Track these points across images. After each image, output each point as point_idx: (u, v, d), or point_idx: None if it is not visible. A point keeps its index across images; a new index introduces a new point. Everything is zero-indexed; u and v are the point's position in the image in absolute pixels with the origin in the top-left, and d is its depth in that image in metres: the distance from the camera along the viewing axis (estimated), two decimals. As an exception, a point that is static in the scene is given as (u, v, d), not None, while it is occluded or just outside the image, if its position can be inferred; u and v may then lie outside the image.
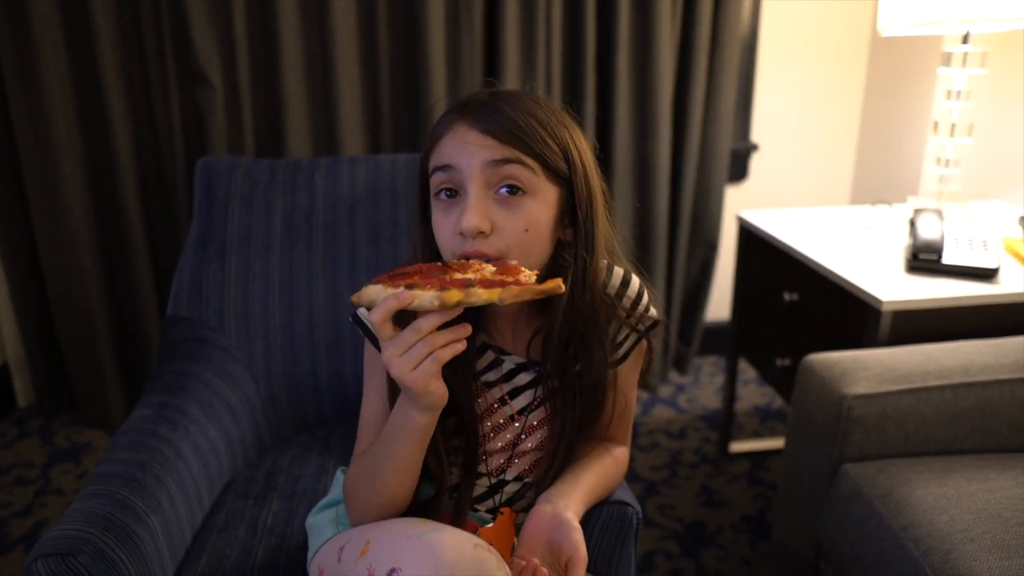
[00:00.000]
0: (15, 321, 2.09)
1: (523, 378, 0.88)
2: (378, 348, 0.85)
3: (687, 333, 2.39)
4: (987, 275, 1.34)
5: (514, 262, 0.74)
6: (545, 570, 0.76)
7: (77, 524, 0.84)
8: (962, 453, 1.11)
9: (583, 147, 0.82)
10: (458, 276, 0.72)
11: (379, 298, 0.69)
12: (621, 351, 0.90)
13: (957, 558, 0.90)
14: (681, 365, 2.40)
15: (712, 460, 1.95)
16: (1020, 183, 1.76)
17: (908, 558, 0.95)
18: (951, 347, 1.18)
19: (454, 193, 0.78)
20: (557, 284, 0.69)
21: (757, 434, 2.07)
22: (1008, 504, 0.98)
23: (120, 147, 1.89)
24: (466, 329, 0.71)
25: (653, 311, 0.90)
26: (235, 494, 1.14)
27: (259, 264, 1.31)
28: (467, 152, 0.76)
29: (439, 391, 0.73)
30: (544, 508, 0.83)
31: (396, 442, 0.78)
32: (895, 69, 2.17)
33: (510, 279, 0.70)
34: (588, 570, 0.91)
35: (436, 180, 0.79)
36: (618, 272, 0.89)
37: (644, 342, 0.91)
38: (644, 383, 2.29)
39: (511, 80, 1.96)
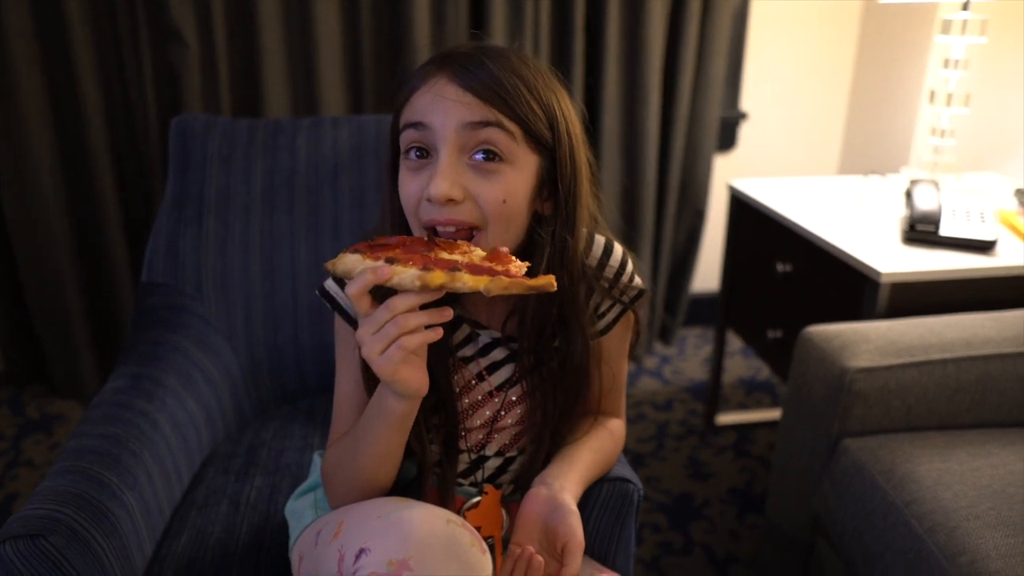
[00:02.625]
0: (-19, 288, 2.00)
1: (499, 353, 0.84)
2: (350, 323, 0.81)
3: (672, 304, 2.36)
4: (985, 247, 1.32)
5: (505, 249, 0.68)
6: (540, 558, 0.73)
7: (48, 503, 0.79)
8: (963, 428, 1.10)
9: (570, 115, 0.76)
10: (444, 256, 0.66)
11: (355, 269, 0.64)
12: (603, 322, 0.85)
13: (963, 535, 0.89)
14: (666, 336, 2.38)
15: (698, 432, 1.93)
16: (1015, 155, 1.74)
17: (912, 535, 0.93)
18: (952, 320, 1.16)
19: (424, 154, 0.71)
20: (549, 281, 0.64)
21: (743, 406, 2.06)
22: (1012, 480, 0.96)
23: (89, 106, 1.81)
24: (446, 313, 0.66)
25: (638, 280, 0.86)
26: (215, 469, 1.09)
27: (238, 228, 1.25)
28: (442, 109, 0.69)
29: (412, 380, 0.68)
30: (540, 491, 0.79)
31: (373, 428, 0.74)
32: (887, 38, 2.13)
33: (500, 268, 0.65)
34: (586, 550, 0.89)
35: (406, 137, 0.72)
36: (599, 240, 0.84)
37: (630, 313, 0.87)
38: (631, 354, 2.26)
39: (497, 39, 1.90)
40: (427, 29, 1.87)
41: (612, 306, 0.85)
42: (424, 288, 0.62)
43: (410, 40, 1.85)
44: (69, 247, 1.92)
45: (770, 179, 1.78)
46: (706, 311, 2.46)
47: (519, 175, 0.72)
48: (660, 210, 2.21)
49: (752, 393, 2.13)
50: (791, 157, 2.37)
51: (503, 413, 0.85)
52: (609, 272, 0.83)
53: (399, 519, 0.67)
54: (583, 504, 0.86)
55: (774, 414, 2.00)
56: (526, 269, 0.67)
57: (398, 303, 0.63)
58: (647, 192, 2.14)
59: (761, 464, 1.81)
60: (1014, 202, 1.52)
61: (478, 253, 0.68)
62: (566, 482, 0.80)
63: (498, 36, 1.89)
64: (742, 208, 1.74)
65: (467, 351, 0.84)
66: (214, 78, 1.85)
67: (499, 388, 0.85)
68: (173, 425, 1.04)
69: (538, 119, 0.71)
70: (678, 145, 2.13)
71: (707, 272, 2.41)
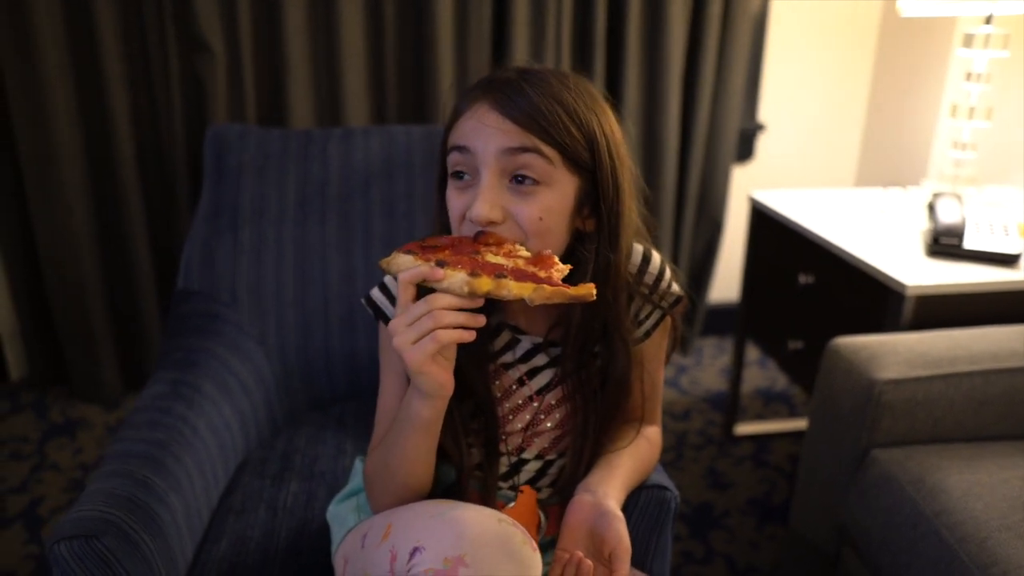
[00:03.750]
0: (8, 291, 2.03)
1: (540, 359, 0.86)
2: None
3: (690, 314, 2.37)
4: (1009, 260, 1.34)
5: (548, 251, 0.72)
6: (589, 562, 0.75)
7: (99, 505, 0.81)
8: (990, 440, 1.11)
9: (613, 135, 0.78)
10: (491, 259, 0.69)
11: (408, 268, 0.68)
12: (643, 328, 0.88)
13: (994, 546, 0.90)
14: (683, 346, 2.39)
15: (717, 442, 1.94)
16: (1035, 168, 1.76)
17: (942, 544, 0.94)
18: (978, 333, 1.17)
19: (469, 174, 0.75)
20: (589, 291, 0.67)
21: (761, 416, 2.07)
22: (1040, 491, 0.97)
23: (117, 114, 1.83)
24: (479, 320, 0.69)
25: (676, 287, 0.88)
26: (250, 474, 1.11)
27: (272, 237, 1.27)
28: (483, 136, 0.73)
29: (438, 377, 0.70)
30: (584, 498, 0.81)
31: (402, 433, 0.77)
32: (906, 51, 2.14)
33: (543, 274, 0.68)
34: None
35: (452, 160, 0.76)
36: (638, 249, 0.86)
37: (669, 319, 0.89)
38: (668, 360, 2.28)
39: (519, 52, 1.92)
40: (450, 42, 1.90)
41: (652, 312, 0.87)
42: (472, 294, 0.66)
43: (433, 53, 1.88)
44: (94, 253, 1.95)
45: (790, 190, 1.79)
46: (723, 321, 2.47)
47: (556, 195, 0.75)
48: (679, 220, 2.23)
49: (770, 404, 2.13)
50: (808, 168, 2.38)
51: (542, 417, 0.87)
52: (648, 279, 0.86)
53: (452, 518, 0.68)
54: (622, 510, 0.87)
55: (792, 424, 2.01)
56: (568, 272, 0.70)
57: (439, 299, 0.67)
58: (666, 201, 2.15)
59: (780, 474, 1.82)
60: (1035, 215, 1.53)
61: (524, 253, 0.71)
62: (609, 488, 0.82)
63: (520, 49, 1.92)
64: (762, 219, 1.75)
65: (507, 357, 0.86)
66: (240, 87, 1.88)
67: (539, 392, 0.86)
68: (211, 430, 1.06)
69: (576, 142, 0.74)
70: (697, 155, 2.15)
71: (724, 282, 2.42)
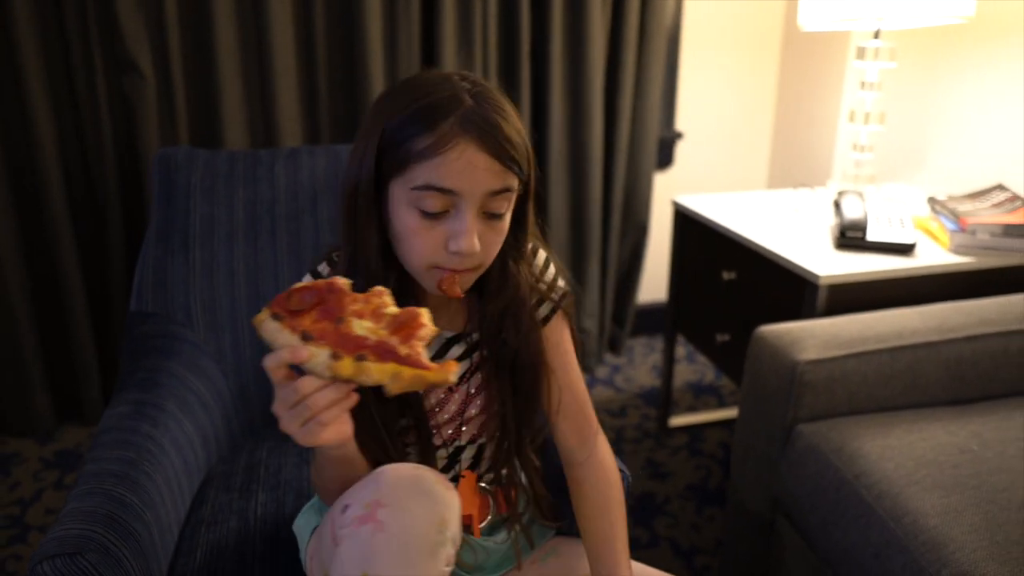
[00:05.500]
0: (-73, 326, 1.95)
1: (457, 350, 0.90)
2: None
3: (620, 315, 2.48)
4: (906, 250, 1.48)
5: (421, 310, 0.70)
6: None
7: (80, 523, 0.83)
8: (898, 409, 1.23)
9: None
10: (355, 326, 0.67)
11: (275, 339, 0.67)
12: (539, 314, 0.91)
13: (905, 499, 1.01)
14: (615, 346, 2.50)
15: (653, 435, 2.05)
16: (926, 167, 1.94)
17: (862, 503, 1.05)
18: (884, 315, 1.30)
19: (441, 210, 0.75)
20: (445, 378, 0.67)
21: (693, 408, 2.19)
22: (941, 450, 1.10)
23: (42, 137, 1.81)
24: (351, 399, 0.69)
25: (562, 281, 0.93)
26: (216, 488, 1.13)
27: (223, 256, 1.29)
28: (472, 179, 0.74)
29: (335, 437, 0.70)
30: None
31: (323, 466, 0.81)
32: (807, 62, 2.32)
33: (404, 350, 0.67)
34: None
35: (430, 199, 0.74)
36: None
37: (563, 315, 0.93)
38: (583, 365, 2.37)
39: (449, 68, 1.99)
40: (380, 59, 1.95)
41: (543, 303, 0.92)
42: (334, 378, 0.65)
43: (364, 70, 1.92)
44: (20, 281, 1.90)
45: (709, 194, 1.92)
46: (652, 321, 2.59)
47: (508, 215, 0.80)
48: (606, 226, 2.33)
49: (700, 396, 2.26)
50: (724, 173, 2.54)
51: (466, 406, 0.91)
52: (535, 270, 0.91)
53: (373, 474, 0.74)
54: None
55: (722, 414, 2.14)
56: (435, 332, 0.70)
57: (306, 386, 0.66)
58: (593, 210, 2.26)
59: (714, 461, 1.94)
60: (927, 209, 1.69)
61: (391, 310, 0.70)
62: (620, 558, 0.89)
63: (449, 66, 1.99)
64: (687, 222, 1.87)
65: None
66: (171, 109, 1.88)
67: (459, 382, 0.91)
68: (175, 447, 1.08)
69: (526, 162, 0.78)
70: (620, 164, 2.27)
71: (652, 283, 2.55)
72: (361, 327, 0.68)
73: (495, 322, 0.87)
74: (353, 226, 0.80)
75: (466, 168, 0.73)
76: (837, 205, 1.61)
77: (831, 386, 1.20)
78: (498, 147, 0.74)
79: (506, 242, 0.82)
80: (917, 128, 1.95)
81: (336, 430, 0.70)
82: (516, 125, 0.77)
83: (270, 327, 0.67)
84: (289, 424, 0.68)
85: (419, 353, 0.67)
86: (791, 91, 2.41)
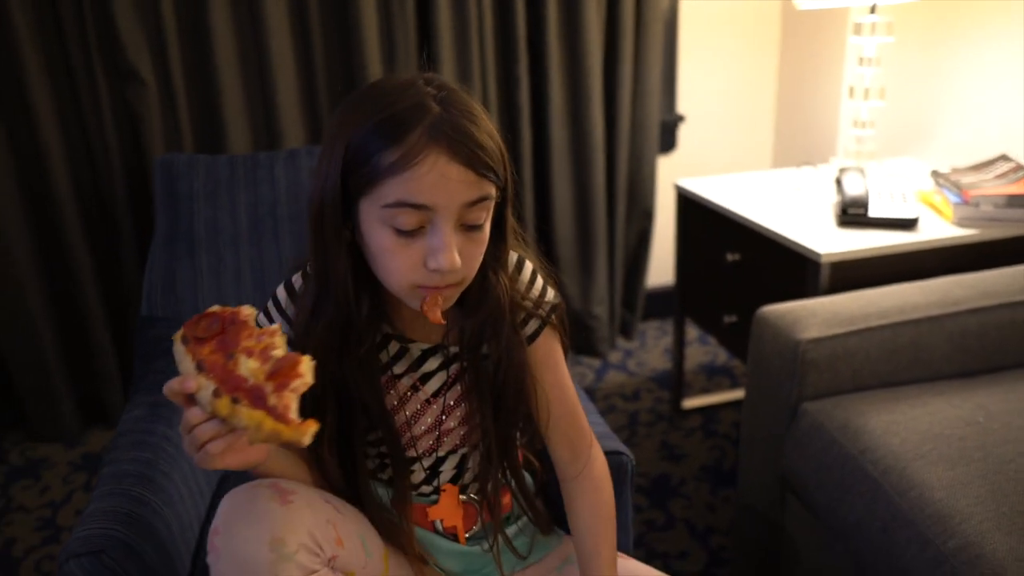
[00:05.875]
0: (-49, 339, 2.00)
1: (432, 363, 0.88)
2: None
3: (630, 300, 2.49)
4: (909, 225, 1.48)
5: (302, 358, 0.68)
6: None
7: (102, 522, 0.86)
8: (903, 384, 1.24)
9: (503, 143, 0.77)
10: (242, 364, 0.67)
11: (179, 363, 0.68)
12: (524, 335, 0.88)
13: (911, 473, 1.02)
14: (627, 331, 2.51)
15: (667, 417, 2.06)
16: (929, 140, 1.93)
17: (868, 478, 1.06)
18: (885, 291, 1.30)
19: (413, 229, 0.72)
20: (299, 440, 0.65)
21: (705, 390, 2.20)
22: (947, 424, 1.11)
23: (51, 149, 1.84)
24: (237, 434, 0.67)
25: (550, 293, 0.89)
26: (234, 485, 1.16)
27: (229, 259, 1.32)
28: (447, 191, 0.70)
29: (236, 463, 0.70)
30: None
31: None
32: (806, 40, 2.31)
33: (273, 400, 0.65)
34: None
35: (403, 216, 0.71)
36: (512, 256, 0.86)
37: (552, 329, 0.90)
38: (594, 351, 2.39)
39: (446, 65, 2.00)
40: (378, 58, 1.96)
41: (530, 319, 0.88)
42: (213, 414, 0.65)
43: (362, 69, 1.94)
44: (40, 291, 1.94)
45: (712, 176, 1.92)
46: (662, 304, 2.60)
47: (488, 224, 0.77)
48: (611, 213, 2.34)
49: (713, 377, 2.27)
50: (728, 154, 2.53)
51: (444, 417, 0.89)
52: (521, 286, 0.87)
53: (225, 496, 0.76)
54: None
55: (735, 395, 2.15)
56: (307, 385, 0.68)
57: (191, 416, 0.66)
58: (597, 197, 2.26)
59: (728, 442, 1.95)
60: (931, 182, 1.69)
61: (278, 352, 0.68)
62: None
63: (447, 62, 2.00)
64: (689, 205, 1.87)
65: (399, 367, 0.87)
66: (174, 116, 1.90)
67: (435, 395, 0.88)
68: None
69: (501, 166, 0.75)
70: (623, 151, 2.27)
71: (659, 267, 2.55)
72: (247, 367, 0.67)
73: (474, 336, 0.84)
74: (321, 246, 0.76)
75: (439, 181, 0.69)
76: (839, 183, 1.61)
77: (834, 364, 1.21)
78: (471, 155, 0.70)
79: (485, 252, 0.79)
80: (919, 102, 1.93)
81: (236, 458, 0.69)
82: (488, 129, 0.73)
83: (178, 350, 0.68)
84: (186, 448, 0.68)
85: (286, 406, 0.65)
86: (792, 69, 2.40)
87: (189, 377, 0.66)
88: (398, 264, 0.73)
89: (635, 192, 2.36)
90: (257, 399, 0.65)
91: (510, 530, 0.96)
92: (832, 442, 1.14)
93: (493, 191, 0.74)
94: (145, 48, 1.83)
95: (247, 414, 0.64)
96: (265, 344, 0.68)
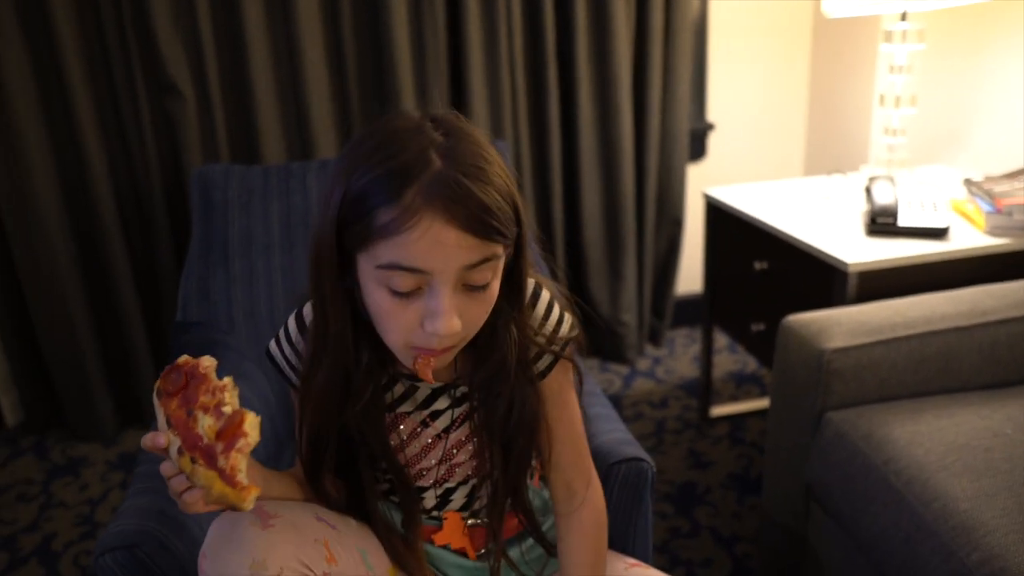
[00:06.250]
0: (-2, 341, 2.08)
1: (441, 402, 0.86)
2: (287, 380, 0.87)
3: (659, 308, 2.49)
4: (939, 234, 1.47)
5: (246, 416, 0.68)
6: None
7: (136, 518, 0.89)
8: (930, 395, 1.23)
9: (514, 182, 0.72)
10: (198, 424, 0.68)
11: (157, 415, 0.69)
12: (536, 370, 0.85)
13: (935, 484, 1.01)
14: (656, 338, 2.51)
15: (694, 425, 2.05)
16: (961, 147, 1.90)
17: (891, 488, 1.06)
18: (913, 301, 1.29)
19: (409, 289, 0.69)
20: (242, 503, 0.67)
21: (734, 398, 2.19)
22: (973, 435, 1.09)
23: (93, 160, 1.91)
24: (191, 499, 0.69)
25: (565, 327, 0.85)
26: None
27: (262, 267, 1.36)
28: (442, 256, 0.66)
29: (218, 508, 0.70)
30: None
31: None
32: (837, 47, 2.29)
33: (222, 461, 0.66)
34: (609, 527, 0.98)
35: (398, 278, 0.67)
36: (528, 283, 0.81)
37: (564, 362, 0.87)
38: (622, 358, 2.39)
39: (476, 75, 2.02)
40: (409, 69, 2.00)
41: (543, 354, 0.85)
42: (180, 469, 0.68)
43: (393, 79, 1.98)
44: (80, 296, 2.01)
45: (742, 185, 1.92)
46: (691, 312, 2.59)
47: (496, 280, 0.73)
48: (640, 221, 2.35)
49: (741, 385, 2.25)
50: (758, 162, 2.52)
51: (455, 451, 0.88)
52: (535, 321, 0.83)
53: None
54: (602, 485, 0.97)
55: (763, 403, 2.13)
56: (255, 440, 0.68)
57: (164, 468, 0.69)
58: (626, 206, 2.27)
59: (756, 450, 1.94)
60: (963, 191, 1.66)
61: (227, 408, 0.68)
62: None
63: (476, 72, 2.02)
64: (718, 214, 1.87)
65: (407, 406, 0.86)
66: (211, 127, 1.96)
67: (445, 431, 0.87)
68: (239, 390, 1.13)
69: (512, 223, 0.70)
70: (652, 159, 2.27)
71: (688, 275, 2.55)
72: (203, 424, 0.67)
73: (485, 382, 0.82)
74: (320, 294, 0.75)
75: (433, 246, 0.65)
76: (868, 191, 1.59)
77: (860, 373, 1.20)
78: (470, 218, 0.65)
79: (499, 303, 0.75)
80: (951, 109, 1.91)
81: (215, 505, 0.69)
82: (496, 183, 0.67)
83: (155, 402, 0.70)
84: (171, 494, 0.70)
85: (234, 467, 0.66)
86: (823, 77, 2.39)
87: (160, 433, 0.68)
88: (395, 325, 0.71)
89: (664, 200, 2.37)
90: (210, 459, 0.66)
91: (525, 545, 0.96)
92: (856, 452, 1.13)
93: (500, 250, 0.69)
94: (184, 61, 1.89)
95: (203, 474, 0.66)
96: (217, 400, 0.68)
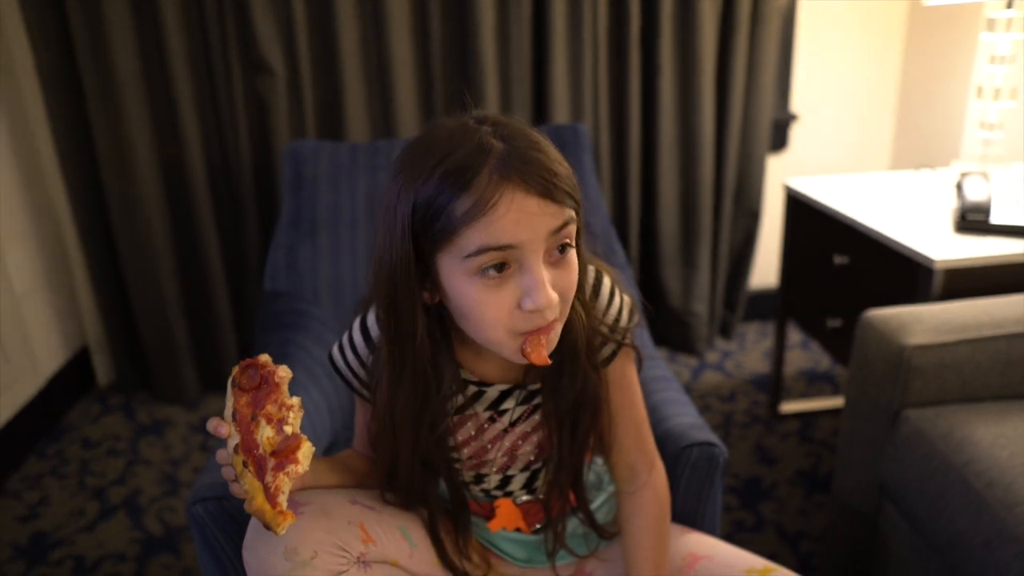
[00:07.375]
0: (95, 304, 2.21)
1: (510, 402, 0.87)
2: (351, 388, 0.89)
3: (732, 300, 2.46)
4: (1035, 233, 1.41)
5: (303, 445, 0.71)
6: None
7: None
8: (1017, 398, 1.19)
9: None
10: (258, 431, 0.70)
11: (226, 401, 0.72)
12: (601, 355, 0.86)
13: (1018, 488, 0.98)
14: (727, 331, 2.48)
15: (763, 421, 2.03)
16: (1062, 144, 1.81)
17: (970, 490, 1.03)
18: (1002, 301, 1.25)
19: (502, 267, 0.69)
20: (276, 527, 0.69)
21: (805, 395, 2.15)
22: (1063, 441, 1.06)
23: (188, 135, 1.99)
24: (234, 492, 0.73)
25: (626, 314, 0.86)
26: (342, 450, 1.24)
27: (347, 241, 1.41)
28: (530, 226, 0.67)
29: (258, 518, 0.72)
30: None
31: None
32: (933, 37, 2.21)
33: (269, 478, 0.69)
34: (675, 514, 0.99)
35: (488, 258, 0.68)
36: (589, 271, 0.84)
37: (627, 349, 0.88)
38: (692, 350, 2.38)
39: (559, 59, 2.03)
40: (493, 52, 2.02)
41: (606, 342, 0.86)
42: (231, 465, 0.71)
43: (478, 65, 2.00)
44: (171, 266, 2.11)
45: (823, 177, 1.87)
46: (764, 306, 2.55)
47: (573, 250, 0.73)
48: (717, 211, 2.32)
49: (814, 383, 2.21)
50: (842, 155, 2.45)
51: (520, 443, 0.90)
52: (599, 311, 0.85)
53: None
54: (673, 468, 0.98)
55: (836, 402, 2.09)
56: (303, 470, 0.70)
57: (219, 456, 0.73)
58: (704, 194, 2.25)
59: (825, 448, 1.90)
60: (1063, 189, 1.59)
61: (288, 428, 0.70)
62: None
63: (560, 57, 2.03)
64: (798, 206, 1.84)
65: (478, 407, 0.87)
66: (300, 106, 2.03)
67: (512, 424, 0.88)
68: (305, 414, 1.19)
69: (576, 190, 0.72)
70: (732, 148, 2.24)
71: (763, 268, 2.50)
72: (263, 433, 0.70)
73: (553, 374, 0.83)
74: (395, 314, 0.75)
75: (520, 218, 0.67)
76: (959, 187, 1.54)
77: (941, 372, 1.17)
78: (546, 184, 0.68)
79: None
80: (1055, 103, 1.82)
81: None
82: (554, 154, 0.71)
83: (228, 389, 0.72)
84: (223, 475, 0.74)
85: (278, 488, 0.69)
86: (917, 68, 2.30)
87: (224, 424, 0.71)
88: (492, 313, 0.70)
89: (743, 191, 2.33)
90: (260, 470, 0.69)
91: (574, 521, 0.97)
92: (934, 451, 1.10)
93: (574, 215, 0.71)
94: (277, 42, 1.96)
95: (250, 481, 0.69)
96: (282, 416, 0.70)
